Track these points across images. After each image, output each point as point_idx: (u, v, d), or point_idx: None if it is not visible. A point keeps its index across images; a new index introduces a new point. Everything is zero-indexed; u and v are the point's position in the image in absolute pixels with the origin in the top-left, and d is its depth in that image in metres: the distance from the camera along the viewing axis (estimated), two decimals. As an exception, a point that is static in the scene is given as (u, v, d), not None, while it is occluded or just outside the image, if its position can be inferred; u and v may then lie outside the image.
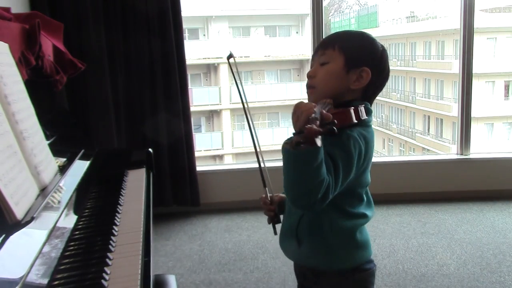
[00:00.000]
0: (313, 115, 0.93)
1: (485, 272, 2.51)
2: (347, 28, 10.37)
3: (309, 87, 1.17)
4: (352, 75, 1.13)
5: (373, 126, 1.20)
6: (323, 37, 3.56)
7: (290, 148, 0.95)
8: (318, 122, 0.90)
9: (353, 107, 1.08)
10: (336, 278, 1.18)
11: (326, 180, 0.98)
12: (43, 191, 1.15)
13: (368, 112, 1.15)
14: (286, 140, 1.01)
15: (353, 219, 1.16)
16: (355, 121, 1.07)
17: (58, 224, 1.09)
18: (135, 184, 1.69)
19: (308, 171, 0.97)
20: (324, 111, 0.95)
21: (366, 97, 1.17)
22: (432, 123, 10.24)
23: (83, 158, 1.58)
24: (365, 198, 1.20)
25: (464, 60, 3.60)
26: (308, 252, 1.18)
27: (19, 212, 0.97)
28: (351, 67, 1.13)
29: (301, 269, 1.27)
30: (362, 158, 1.09)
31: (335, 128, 0.90)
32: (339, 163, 1.03)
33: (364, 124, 1.12)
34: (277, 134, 10.08)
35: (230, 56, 1.30)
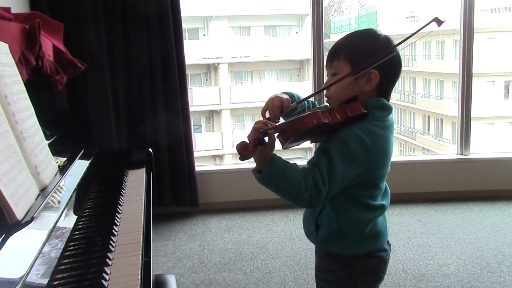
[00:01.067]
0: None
1: (485, 272, 2.51)
2: (346, 28, 10.37)
3: (327, 97, 1.27)
4: (362, 80, 1.18)
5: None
6: (323, 37, 3.58)
7: (254, 175, 1.16)
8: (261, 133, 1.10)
9: (359, 101, 1.18)
10: (346, 260, 1.28)
11: (303, 180, 1.11)
12: (43, 191, 1.15)
13: (383, 107, 1.20)
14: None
15: (372, 211, 1.24)
16: (365, 111, 1.16)
17: (58, 224, 1.09)
18: (135, 184, 1.69)
19: (277, 184, 1.14)
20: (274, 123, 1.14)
21: (382, 93, 1.22)
22: (432, 123, 10.23)
23: (83, 158, 1.58)
24: (383, 188, 1.27)
25: (464, 60, 3.60)
26: (323, 237, 1.27)
27: (19, 212, 0.97)
28: (358, 73, 1.17)
29: (316, 248, 1.38)
30: (369, 150, 1.14)
31: (264, 139, 1.09)
32: (334, 157, 1.13)
33: (376, 119, 1.18)
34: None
35: (439, 21, 1.15)
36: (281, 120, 1.24)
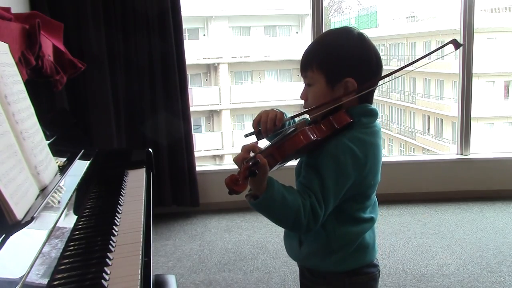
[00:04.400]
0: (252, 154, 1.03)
1: (485, 272, 2.51)
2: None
3: (305, 107, 1.20)
4: (339, 89, 1.12)
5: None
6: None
7: (249, 201, 1.08)
8: (250, 163, 0.98)
9: (344, 109, 1.12)
10: (332, 279, 1.20)
11: (302, 206, 1.04)
12: (43, 191, 1.15)
13: (368, 113, 1.14)
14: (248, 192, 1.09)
15: (362, 224, 1.17)
16: (351, 120, 1.10)
17: (58, 224, 1.09)
18: (135, 184, 1.69)
19: (276, 212, 1.06)
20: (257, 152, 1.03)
21: (363, 99, 1.14)
22: (432, 123, 10.24)
23: (83, 158, 1.58)
24: (373, 199, 1.20)
25: (464, 60, 3.60)
26: (307, 252, 1.20)
27: (19, 212, 0.97)
28: (334, 83, 1.12)
29: (300, 267, 1.30)
30: (360, 161, 1.09)
31: (256, 171, 0.97)
32: (326, 176, 1.07)
33: (363, 126, 1.12)
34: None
35: (458, 44, 1.13)
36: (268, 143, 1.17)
